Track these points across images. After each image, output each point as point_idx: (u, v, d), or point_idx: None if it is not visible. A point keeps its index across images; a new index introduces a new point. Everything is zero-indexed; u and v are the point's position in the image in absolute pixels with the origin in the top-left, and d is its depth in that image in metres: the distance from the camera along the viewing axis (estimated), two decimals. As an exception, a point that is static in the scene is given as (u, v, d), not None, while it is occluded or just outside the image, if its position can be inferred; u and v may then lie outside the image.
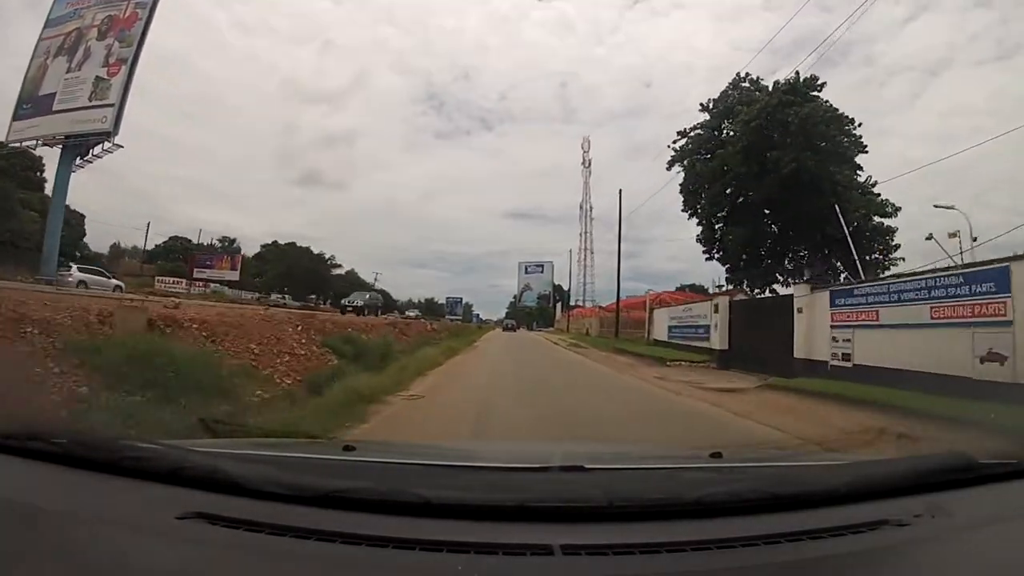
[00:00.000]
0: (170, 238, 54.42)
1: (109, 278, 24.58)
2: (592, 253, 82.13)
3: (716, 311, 16.73)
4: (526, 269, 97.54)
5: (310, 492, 0.99)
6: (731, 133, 21.08)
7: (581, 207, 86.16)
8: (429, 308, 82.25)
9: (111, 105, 22.55)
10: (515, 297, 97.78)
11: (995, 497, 1.19)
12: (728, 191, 21.37)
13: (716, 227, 22.26)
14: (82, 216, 42.33)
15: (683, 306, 22.09)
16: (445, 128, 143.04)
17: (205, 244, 54.53)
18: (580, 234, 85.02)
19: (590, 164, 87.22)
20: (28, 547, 0.87)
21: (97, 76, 22.98)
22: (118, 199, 77.45)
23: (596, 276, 79.53)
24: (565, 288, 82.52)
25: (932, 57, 69.28)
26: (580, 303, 71.43)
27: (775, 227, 21.13)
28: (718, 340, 16.21)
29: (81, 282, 20.35)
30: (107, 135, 22.75)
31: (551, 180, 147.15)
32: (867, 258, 18.66)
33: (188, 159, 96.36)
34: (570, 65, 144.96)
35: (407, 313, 51.25)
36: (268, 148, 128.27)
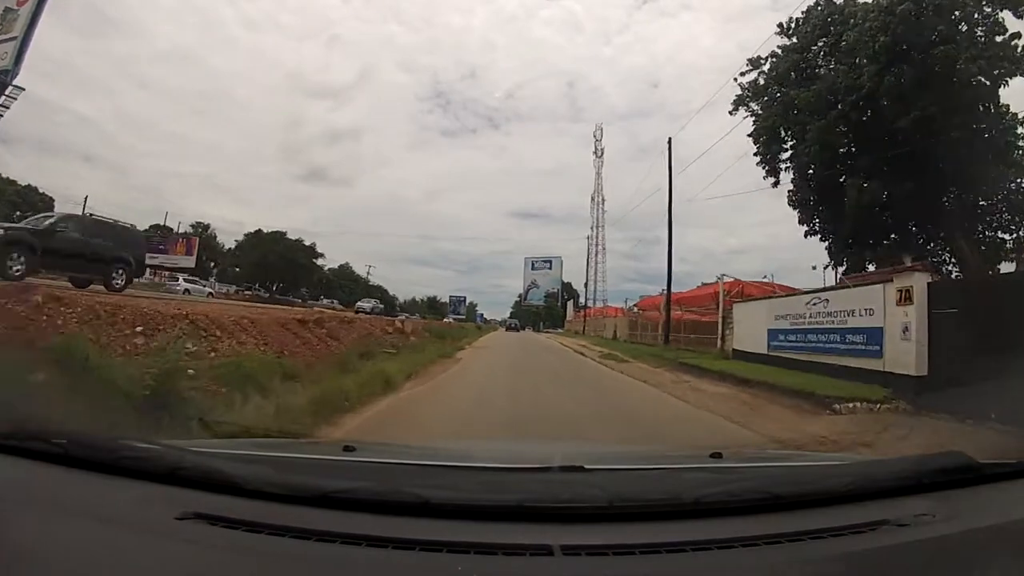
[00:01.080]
0: (150, 227, 48.89)
1: (204, 287, 29.99)
2: (604, 250, 74.12)
3: (903, 301, 8.63)
4: (533, 265, 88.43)
5: (310, 492, 0.99)
6: (832, 54, 15.60)
7: (593, 199, 76.97)
8: (431, 306, 79.27)
9: (13, 38, 19.49)
10: (520, 296, 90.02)
11: (995, 497, 1.18)
12: (842, 125, 14.84)
13: (811, 182, 16.36)
14: (51, 199, 40.24)
15: (806, 296, 12.23)
16: (451, 126, 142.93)
17: (177, 231, 49.72)
18: (592, 227, 75.50)
19: (602, 153, 78.39)
20: (28, 547, 0.87)
21: (6, 7, 20.12)
22: (123, 194, 77.08)
23: (605, 275, 73.14)
24: (574, 287, 77.99)
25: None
26: (589, 303, 66.32)
27: (909, 182, 14.10)
28: (912, 358, 8.26)
29: (186, 290, 26.56)
30: (6, 74, 19.43)
31: (557, 180, 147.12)
32: (999, 236, 14.51)
33: (194, 154, 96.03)
34: (577, 64, 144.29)
35: (360, 306, 40.80)
36: (273, 145, 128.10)
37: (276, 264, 48.48)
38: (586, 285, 67.24)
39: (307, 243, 53.82)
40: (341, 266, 71.57)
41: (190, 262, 40.88)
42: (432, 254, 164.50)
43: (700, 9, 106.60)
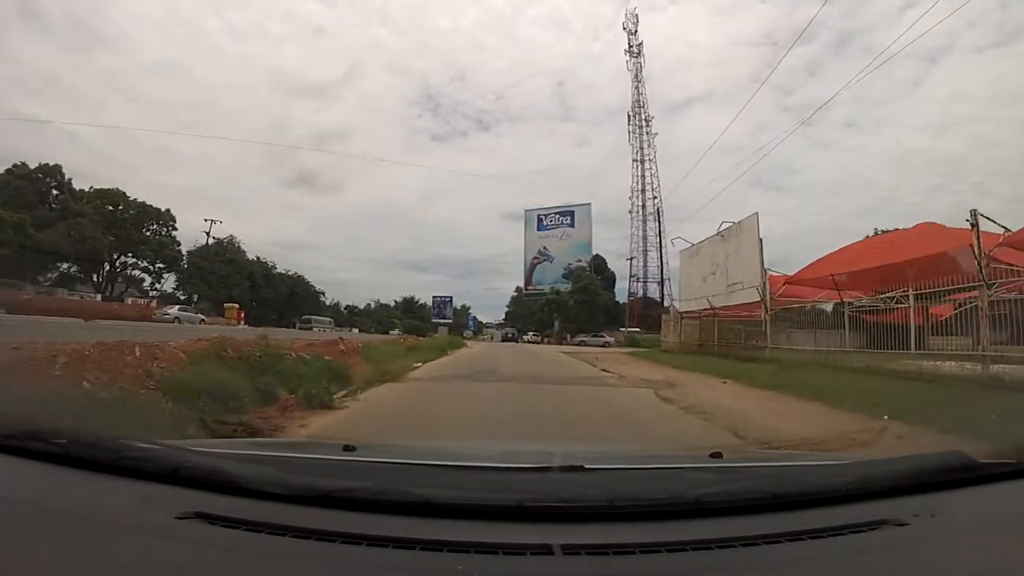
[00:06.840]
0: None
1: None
2: (659, 199, 48.55)
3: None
4: (539, 222, 52.27)
5: (310, 492, 0.99)
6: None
7: (629, 117, 52.02)
8: (407, 310, 59.62)
9: None
10: (518, 289, 56.51)
11: (995, 497, 1.18)
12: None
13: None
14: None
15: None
16: (441, 130, 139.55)
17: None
18: (633, 160, 50.04)
19: (639, 52, 52.95)
20: (28, 547, 0.87)
21: None
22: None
23: (662, 236, 48.58)
24: (608, 266, 49.66)
25: (931, 44, 65.85)
26: (636, 290, 39.91)
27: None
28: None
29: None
30: None
31: (550, 180, 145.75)
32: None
33: (184, 166, 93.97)
34: (567, 62, 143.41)
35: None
36: (258, 151, 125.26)
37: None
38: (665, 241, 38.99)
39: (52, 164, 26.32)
40: (225, 241, 44.82)
41: None
42: (426, 259, 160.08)
43: (688, 3, 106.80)
